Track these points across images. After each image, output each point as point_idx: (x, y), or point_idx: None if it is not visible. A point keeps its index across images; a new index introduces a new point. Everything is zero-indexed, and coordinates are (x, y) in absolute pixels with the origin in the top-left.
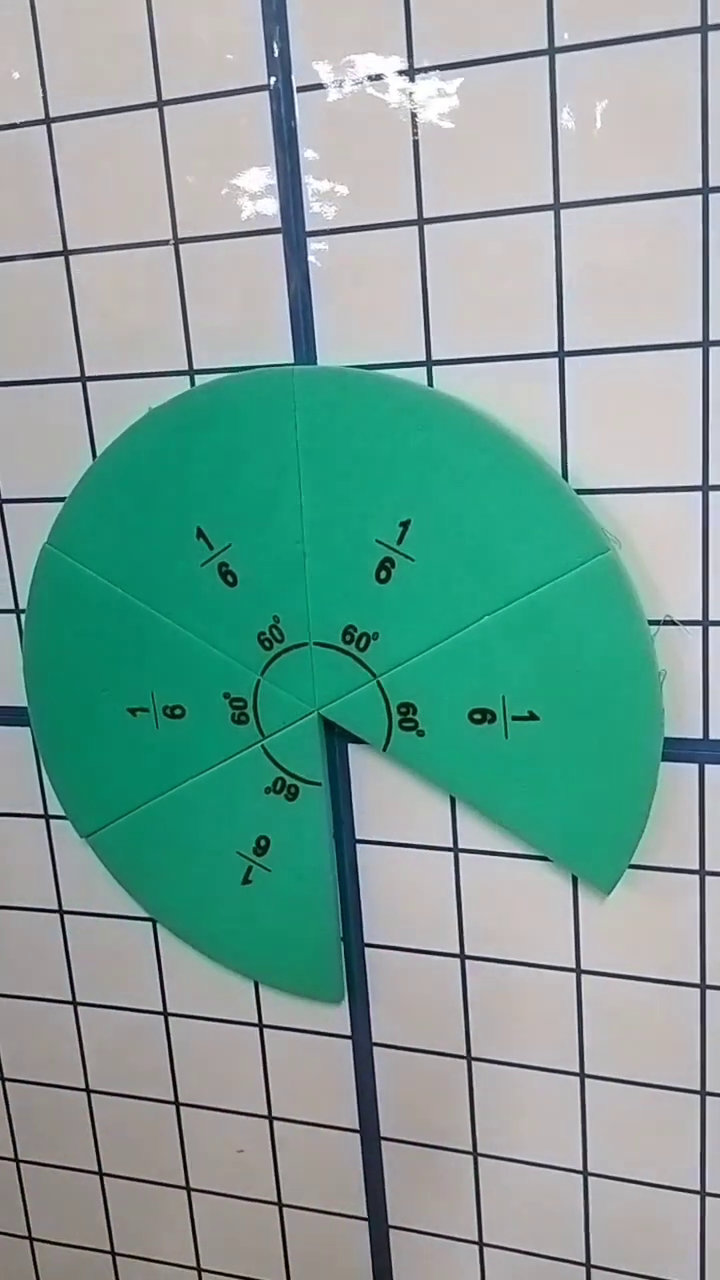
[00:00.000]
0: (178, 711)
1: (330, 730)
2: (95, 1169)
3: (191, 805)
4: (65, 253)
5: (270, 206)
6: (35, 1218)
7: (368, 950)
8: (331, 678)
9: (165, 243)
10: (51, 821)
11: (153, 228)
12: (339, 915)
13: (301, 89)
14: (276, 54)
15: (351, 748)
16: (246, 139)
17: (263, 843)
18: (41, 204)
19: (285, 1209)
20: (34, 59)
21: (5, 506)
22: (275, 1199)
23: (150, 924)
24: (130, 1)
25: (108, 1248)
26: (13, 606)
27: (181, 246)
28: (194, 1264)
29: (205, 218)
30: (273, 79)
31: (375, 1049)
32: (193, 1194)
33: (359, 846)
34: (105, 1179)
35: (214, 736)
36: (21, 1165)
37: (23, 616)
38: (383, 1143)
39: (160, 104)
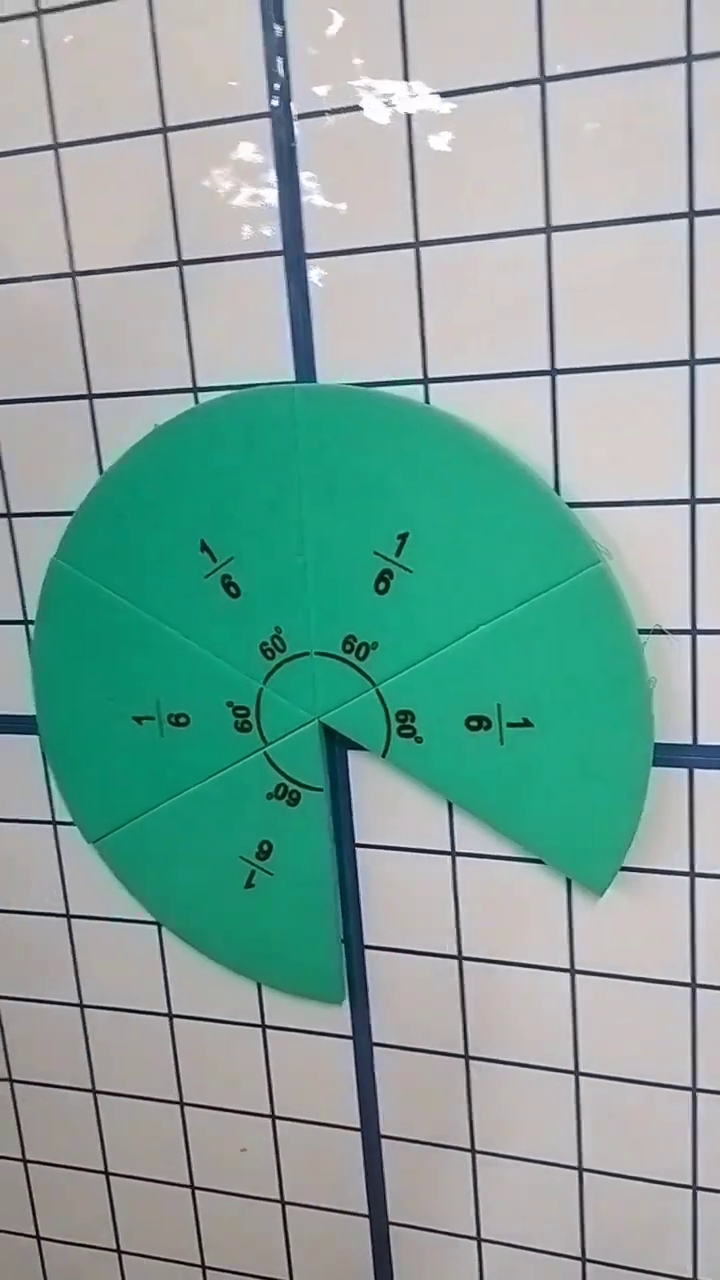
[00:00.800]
0: (182, 719)
1: (331, 737)
2: (101, 1169)
3: (195, 811)
4: (73, 274)
5: (271, 229)
6: (42, 1217)
7: (368, 952)
8: (332, 686)
9: (170, 265)
10: (59, 827)
11: (157, 250)
12: (339, 918)
13: (301, 115)
14: (278, 82)
15: (351, 754)
16: (248, 164)
17: (265, 847)
18: (50, 227)
19: (288, 1206)
20: (42, 87)
21: (15, 521)
22: (278, 1196)
23: (155, 927)
24: (136, 32)
25: (114, 1246)
26: (21, 618)
27: (185, 268)
28: (199, 1261)
29: (208, 241)
30: (274, 104)
31: (375, 1049)
32: (197, 1192)
33: (359, 851)
34: (111, 1178)
35: (217, 744)
36: (29, 1165)
37: (31, 628)
38: (383, 1140)
39: (165, 130)
